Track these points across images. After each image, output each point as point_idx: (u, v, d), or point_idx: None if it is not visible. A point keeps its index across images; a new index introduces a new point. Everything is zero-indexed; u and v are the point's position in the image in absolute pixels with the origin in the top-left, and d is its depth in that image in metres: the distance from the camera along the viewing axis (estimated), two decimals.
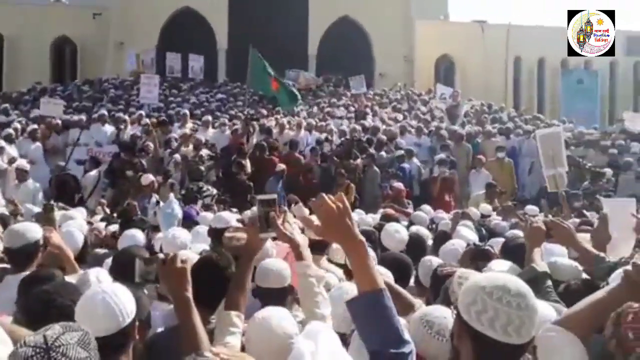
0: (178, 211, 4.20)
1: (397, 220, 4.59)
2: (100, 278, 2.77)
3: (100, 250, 3.98)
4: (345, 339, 1.92)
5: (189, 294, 1.86)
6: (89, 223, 5.29)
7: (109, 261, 3.12)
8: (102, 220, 5.70)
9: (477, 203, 7.29)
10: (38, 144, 9.88)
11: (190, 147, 9.76)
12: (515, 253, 2.89)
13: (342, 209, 1.56)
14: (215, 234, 4.06)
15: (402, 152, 10.01)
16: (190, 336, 1.81)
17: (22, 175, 8.25)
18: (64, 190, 8.43)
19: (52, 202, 6.84)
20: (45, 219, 5.05)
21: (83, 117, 11.26)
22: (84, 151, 9.99)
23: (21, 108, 13.89)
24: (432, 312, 1.91)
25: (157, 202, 6.71)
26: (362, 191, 9.13)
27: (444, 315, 1.86)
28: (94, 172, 8.85)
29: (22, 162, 8.66)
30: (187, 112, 12.17)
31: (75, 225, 4.16)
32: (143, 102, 13.04)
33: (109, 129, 10.77)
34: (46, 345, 1.32)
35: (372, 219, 5.59)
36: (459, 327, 1.57)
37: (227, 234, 3.67)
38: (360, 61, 19.40)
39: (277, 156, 9.67)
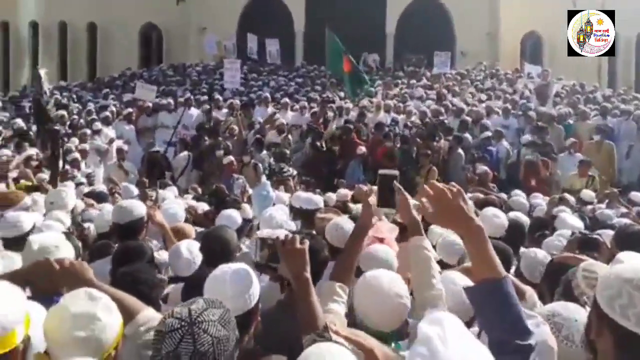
0: (272, 194, 4.29)
1: (493, 205, 4.36)
2: (191, 249, 2.88)
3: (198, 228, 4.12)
4: None
5: (308, 274, 1.86)
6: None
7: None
8: (193, 199, 5.94)
9: (572, 184, 6.86)
10: (132, 126, 10.44)
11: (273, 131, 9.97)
12: (634, 243, 2.65)
13: (456, 192, 1.49)
14: (305, 215, 4.11)
15: (489, 133, 9.59)
16: (310, 316, 1.80)
17: (121, 154, 8.82)
18: (155, 169, 8.89)
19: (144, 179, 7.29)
20: (141, 194, 5.35)
21: (171, 100, 11.76)
22: (168, 134, 10.49)
23: (114, 92, 14.75)
24: (560, 312, 1.73)
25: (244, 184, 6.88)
26: (445, 175, 8.87)
27: (574, 316, 1.68)
28: (184, 154, 9.25)
29: (120, 143, 9.24)
30: (268, 95, 12.37)
31: (174, 203, 4.34)
32: (227, 87, 13.40)
33: (195, 112, 11.18)
34: (190, 319, 1.37)
35: None
36: (598, 322, 1.44)
37: (319, 215, 3.69)
38: (440, 40, 18.72)
39: (364, 140, 9.63)
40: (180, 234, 3.49)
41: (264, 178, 4.99)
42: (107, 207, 4.05)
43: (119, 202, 3.60)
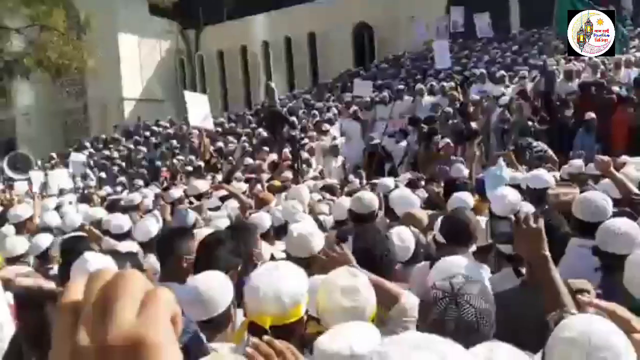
0: (506, 175, 4.13)
1: None
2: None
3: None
4: None
5: (546, 252, 1.82)
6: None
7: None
8: (408, 184, 5.99)
9: None
10: (357, 123, 11.10)
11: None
12: None
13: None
14: (534, 194, 3.86)
15: None
16: (553, 293, 1.77)
17: (334, 150, 9.53)
18: (374, 161, 9.30)
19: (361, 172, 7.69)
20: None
21: (386, 93, 12.14)
22: (390, 125, 10.80)
23: (334, 94, 15.92)
24: None
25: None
26: None
27: None
28: (403, 143, 9.45)
29: (341, 140, 9.98)
30: (484, 71, 11.80)
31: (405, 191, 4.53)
32: (438, 68, 13.21)
33: (409, 100, 11.34)
34: (452, 291, 1.46)
35: None
36: None
37: (551, 192, 3.42)
38: None
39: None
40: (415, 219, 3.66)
41: (500, 160, 4.76)
42: (343, 200, 4.42)
43: (358, 194, 3.97)
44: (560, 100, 8.62)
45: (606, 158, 3.76)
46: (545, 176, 4.14)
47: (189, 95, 11.24)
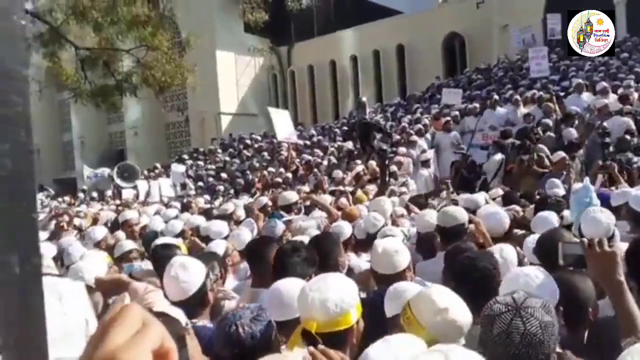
0: (595, 200, 3.79)
1: None
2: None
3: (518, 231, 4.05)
4: None
5: (621, 277, 1.76)
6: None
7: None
8: (504, 200, 5.80)
9: None
10: (447, 134, 10.92)
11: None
12: None
13: None
14: (636, 216, 3.62)
15: None
16: (628, 319, 1.72)
17: (422, 163, 9.42)
18: (457, 174, 9.08)
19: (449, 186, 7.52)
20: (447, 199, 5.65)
21: (477, 104, 11.83)
22: (480, 137, 10.50)
23: (422, 105, 15.74)
24: None
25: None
26: None
27: None
28: (497, 157, 9.06)
29: (429, 153, 9.86)
30: (581, 81, 11.13)
31: (495, 207, 4.42)
32: (534, 77, 12.63)
33: (502, 111, 10.96)
34: (516, 304, 1.50)
35: None
36: None
37: None
38: None
39: None
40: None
41: (586, 180, 4.46)
42: (431, 212, 4.34)
43: (445, 208, 3.94)
44: None
45: None
46: None
47: (273, 111, 11.71)
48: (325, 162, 11.56)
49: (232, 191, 10.97)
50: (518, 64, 16.29)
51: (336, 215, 5.17)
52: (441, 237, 3.62)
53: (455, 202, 5.27)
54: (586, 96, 10.30)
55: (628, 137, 7.81)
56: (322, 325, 1.73)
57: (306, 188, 8.75)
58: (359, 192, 8.12)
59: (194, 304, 2.37)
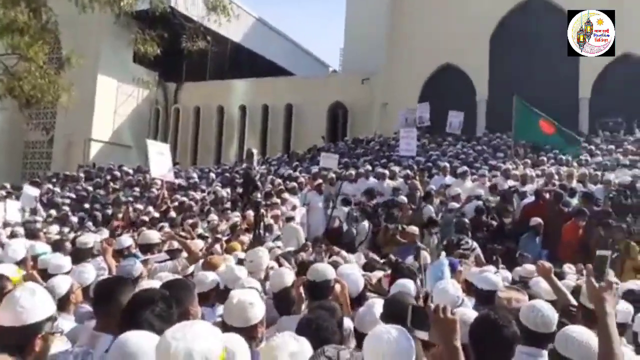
0: (448, 275, 4.17)
1: None
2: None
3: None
4: None
5: (458, 343, 1.91)
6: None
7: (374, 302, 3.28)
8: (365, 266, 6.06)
9: None
10: (319, 195, 11.22)
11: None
12: None
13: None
14: (481, 295, 3.92)
15: None
16: None
17: (289, 220, 9.58)
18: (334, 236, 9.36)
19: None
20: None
21: (353, 171, 12.44)
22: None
23: (302, 165, 16.18)
24: None
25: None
26: None
27: None
28: (365, 223, 9.49)
29: (302, 210, 10.06)
30: (447, 164, 12.29)
31: (354, 269, 4.54)
32: (402, 155, 13.67)
33: (372, 181, 11.64)
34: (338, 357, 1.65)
35: None
36: None
37: (502, 294, 3.52)
38: None
39: (543, 208, 8.87)
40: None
41: (442, 255, 4.88)
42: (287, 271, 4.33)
43: (315, 265, 3.96)
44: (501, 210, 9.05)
45: (548, 264, 3.90)
46: (492, 278, 4.11)
47: (151, 144, 11.19)
48: (197, 207, 11.22)
49: (90, 224, 10.08)
50: (393, 142, 17.58)
51: (197, 257, 4.97)
52: (309, 292, 3.63)
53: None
54: (448, 179, 11.33)
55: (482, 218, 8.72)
56: None
57: (166, 228, 8.32)
58: (233, 242, 7.96)
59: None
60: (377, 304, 3.07)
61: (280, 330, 2.96)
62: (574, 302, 3.48)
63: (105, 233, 8.30)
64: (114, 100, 25.09)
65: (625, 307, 3.59)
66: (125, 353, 1.93)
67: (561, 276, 4.59)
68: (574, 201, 9.20)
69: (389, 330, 1.91)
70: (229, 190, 12.50)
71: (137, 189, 13.35)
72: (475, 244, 7.50)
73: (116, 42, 24.01)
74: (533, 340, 2.66)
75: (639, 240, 7.38)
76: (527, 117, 10.85)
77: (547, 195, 9.29)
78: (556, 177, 10.69)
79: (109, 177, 15.26)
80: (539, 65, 19.45)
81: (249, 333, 2.54)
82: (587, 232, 8.04)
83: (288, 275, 3.75)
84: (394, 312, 2.81)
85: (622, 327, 3.29)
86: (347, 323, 3.29)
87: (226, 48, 27.67)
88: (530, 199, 9.38)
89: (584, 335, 2.51)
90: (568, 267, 6.10)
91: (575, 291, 3.93)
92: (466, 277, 4.59)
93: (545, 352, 2.65)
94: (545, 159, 12.86)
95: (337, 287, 3.69)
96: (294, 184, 11.82)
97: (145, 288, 2.76)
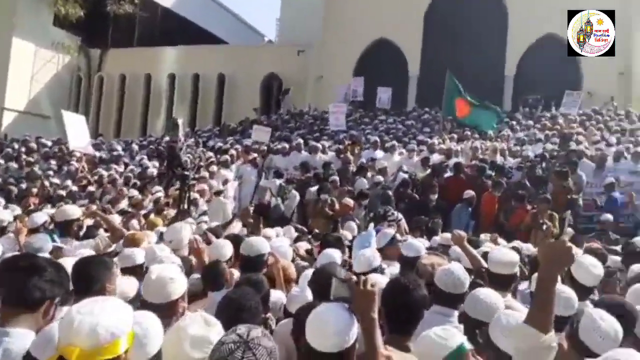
0: (374, 246, 4.31)
1: (603, 256, 3.95)
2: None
3: (301, 263, 4.36)
4: None
5: (375, 314, 1.98)
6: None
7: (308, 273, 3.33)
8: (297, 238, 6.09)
9: None
10: (252, 168, 11.05)
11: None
12: None
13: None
14: (406, 261, 4.04)
15: (612, 180, 8.76)
16: (371, 353, 1.93)
17: (220, 194, 9.43)
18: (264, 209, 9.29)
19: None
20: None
21: (286, 145, 12.33)
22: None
23: (235, 137, 15.86)
24: None
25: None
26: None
27: None
28: (295, 192, 9.48)
29: (235, 183, 9.93)
30: (377, 138, 12.45)
31: (284, 242, 4.66)
32: (332, 129, 13.72)
33: (304, 154, 11.60)
34: (242, 339, 1.63)
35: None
36: None
37: (425, 261, 3.62)
38: (564, 80, 17.70)
39: (463, 181, 9.23)
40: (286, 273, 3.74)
41: (370, 227, 5.03)
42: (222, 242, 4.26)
43: (248, 238, 3.97)
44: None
45: (462, 233, 4.11)
46: (416, 244, 4.32)
47: (66, 115, 10.56)
48: (121, 180, 10.73)
49: (1, 200, 9.33)
50: (327, 116, 17.59)
51: (120, 234, 4.74)
52: (242, 266, 3.66)
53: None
54: (378, 152, 11.50)
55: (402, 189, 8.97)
56: (86, 353, 1.51)
57: (93, 206, 7.90)
58: (152, 216, 7.68)
59: None
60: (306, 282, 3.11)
61: (210, 306, 2.91)
62: (485, 265, 3.67)
63: (17, 210, 7.74)
64: (31, 66, 23.40)
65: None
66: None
67: (477, 244, 4.80)
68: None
69: (328, 307, 1.93)
70: (156, 163, 12.04)
71: (54, 161, 12.54)
72: (400, 215, 7.74)
73: (34, 2, 22.30)
74: (445, 300, 2.85)
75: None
76: (452, 95, 11.19)
77: (469, 170, 9.66)
78: (480, 151, 11.12)
79: (23, 150, 14.21)
80: (468, 44, 19.98)
81: (170, 309, 2.48)
82: (501, 202, 8.49)
83: (224, 249, 3.80)
84: (321, 283, 2.82)
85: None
86: (278, 296, 3.30)
87: (156, 13, 26.43)
88: (450, 174, 9.71)
89: (492, 297, 2.68)
90: (484, 236, 6.39)
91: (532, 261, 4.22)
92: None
93: (456, 313, 2.82)
94: (469, 133, 13.34)
95: (271, 258, 3.73)
96: (226, 156, 11.56)
97: (33, 257, 2.50)
